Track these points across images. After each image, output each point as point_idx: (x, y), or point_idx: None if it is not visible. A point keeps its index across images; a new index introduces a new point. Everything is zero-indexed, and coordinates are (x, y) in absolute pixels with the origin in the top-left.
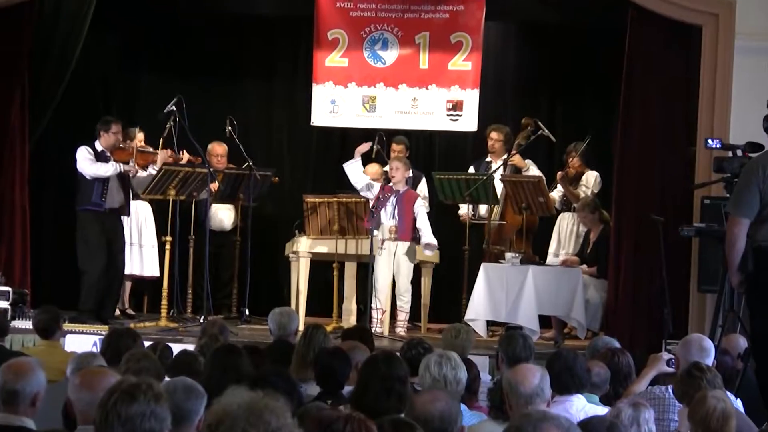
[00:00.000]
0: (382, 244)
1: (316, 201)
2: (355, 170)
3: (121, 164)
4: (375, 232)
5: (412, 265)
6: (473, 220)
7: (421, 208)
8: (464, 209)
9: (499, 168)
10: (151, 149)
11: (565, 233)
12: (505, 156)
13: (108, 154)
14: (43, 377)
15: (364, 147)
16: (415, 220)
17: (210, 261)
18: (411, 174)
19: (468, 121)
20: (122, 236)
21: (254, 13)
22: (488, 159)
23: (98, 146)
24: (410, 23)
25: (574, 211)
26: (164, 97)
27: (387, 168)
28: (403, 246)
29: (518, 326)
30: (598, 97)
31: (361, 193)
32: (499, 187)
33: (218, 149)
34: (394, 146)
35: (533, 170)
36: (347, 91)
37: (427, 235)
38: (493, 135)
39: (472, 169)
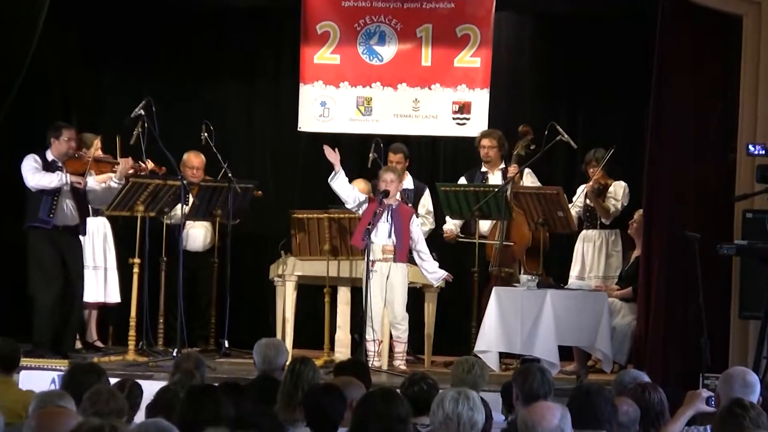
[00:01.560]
0: (373, 265)
1: (304, 217)
2: (342, 185)
3: (69, 175)
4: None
5: (407, 289)
6: (461, 238)
7: (417, 229)
8: (450, 223)
9: (513, 177)
10: (111, 158)
11: (591, 253)
12: (502, 165)
13: (60, 164)
14: None
15: (331, 153)
16: (410, 239)
17: (184, 286)
18: (412, 186)
19: (477, 126)
20: (81, 258)
21: (233, 5)
22: (483, 169)
23: (49, 155)
24: (411, 14)
25: (601, 228)
26: (131, 99)
27: (380, 180)
28: (398, 268)
29: (535, 358)
30: (625, 97)
31: (353, 209)
32: None
33: (194, 160)
34: (392, 156)
35: (530, 181)
36: (339, 91)
37: (430, 263)
38: (485, 142)
39: (461, 180)
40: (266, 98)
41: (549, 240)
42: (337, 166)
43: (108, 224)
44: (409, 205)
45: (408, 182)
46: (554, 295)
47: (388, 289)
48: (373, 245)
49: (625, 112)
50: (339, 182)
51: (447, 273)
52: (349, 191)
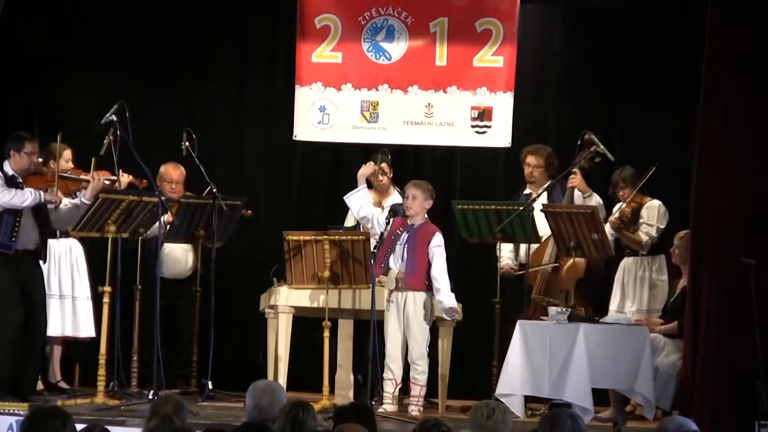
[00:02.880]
0: (390, 296)
1: (300, 239)
2: (361, 201)
3: (43, 193)
4: (384, 281)
5: (428, 323)
6: (521, 273)
7: (439, 249)
8: (506, 257)
9: (541, 194)
10: (79, 174)
11: (633, 283)
12: (548, 183)
13: (20, 180)
14: None
15: (368, 169)
16: (429, 264)
17: (162, 318)
18: (400, 200)
19: (499, 135)
20: (42, 286)
21: None
22: (527, 191)
23: (8, 169)
24: (423, 6)
25: (642, 255)
26: (101, 104)
27: (390, 197)
28: (415, 298)
29: (566, 403)
30: (670, 103)
31: (370, 230)
32: (540, 222)
33: (173, 173)
34: (372, 165)
35: (596, 198)
36: (341, 95)
37: (445, 293)
38: (530, 160)
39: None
40: (257, 102)
41: (603, 269)
42: (362, 182)
43: (79, 247)
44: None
45: (395, 197)
46: (588, 331)
47: (404, 323)
48: (391, 272)
49: (670, 121)
50: (359, 197)
51: (454, 308)
52: (367, 209)
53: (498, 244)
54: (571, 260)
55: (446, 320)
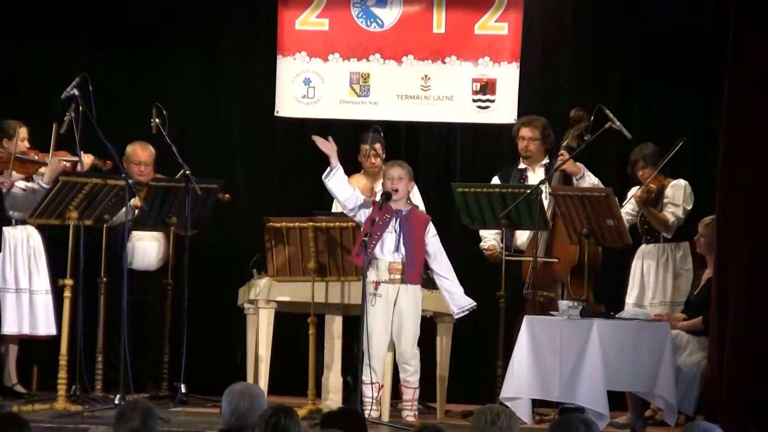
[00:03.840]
0: (377, 288)
1: (282, 226)
2: (339, 183)
3: None
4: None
5: (419, 319)
6: (508, 256)
7: (435, 240)
8: (490, 238)
9: (552, 175)
10: (36, 156)
11: (654, 274)
12: (546, 161)
13: None
14: None
15: (324, 144)
16: (426, 254)
17: (130, 314)
18: (413, 186)
19: (503, 110)
20: None
21: None
22: (522, 166)
23: None
24: None
25: (664, 241)
26: (61, 76)
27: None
28: (408, 291)
29: (578, 408)
30: (693, 74)
31: (352, 215)
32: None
33: (141, 153)
34: (364, 147)
35: (591, 179)
36: (328, 66)
37: (460, 293)
38: (525, 132)
39: (495, 181)
40: (234, 75)
41: (602, 256)
42: (334, 161)
43: (37, 236)
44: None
45: None
46: (603, 327)
47: (395, 319)
48: (378, 262)
49: (693, 94)
50: (336, 180)
51: (473, 303)
52: (348, 192)
53: (497, 233)
54: (565, 248)
55: (446, 315)
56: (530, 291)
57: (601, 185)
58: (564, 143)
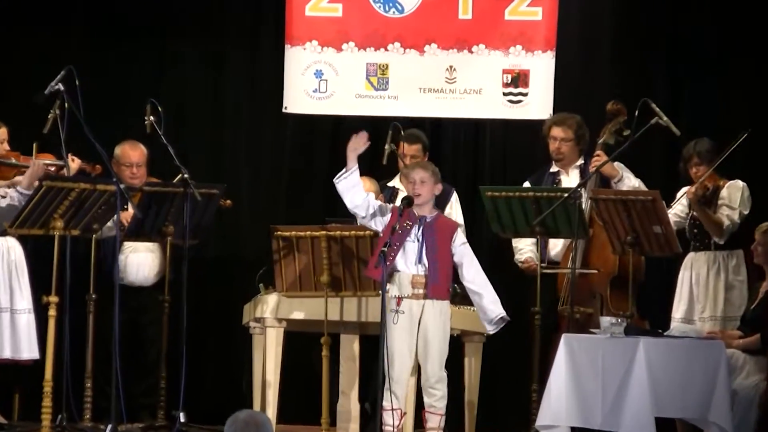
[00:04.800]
0: (399, 304)
1: (292, 235)
2: (351, 186)
3: None
4: (388, 286)
5: (448, 338)
6: (545, 269)
7: (466, 248)
8: (527, 250)
9: (590, 178)
10: (17, 159)
11: (704, 285)
12: (580, 162)
13: None
14: None
15: (360, 142)
16: (454, 265)
17: (122, 335)
18: (440, 188)
19: (537, 105)
20: None
21: None
22: (554, 169)
23: None
24: None
25: (716, 248)
26: (46, 69)
27: (396, 181)
28: (434, 308)
29: None
30: (748, 65)
31: (366, 223)
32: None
33: (133, 154)
34: (406, 147)
35: (630, 181)
36: (342, 56)
37: (492, 299)
38: (556, 132)
39: (527, 185)
40: (237, 66)
41: (644, 267)
42: (352, 162)
43: (18, 248)
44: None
45: None
46: (650, 346)
47: (420, 338)
48: (400, 275)
49: (749, 86)
50: (349, 182)
51: (502, 313)
52: (359, 197)
53: (533, 243)
54: (604, 258)
55: (475, 334)
56: (567, 307)
57: (643, 188)
58: (600, 141)
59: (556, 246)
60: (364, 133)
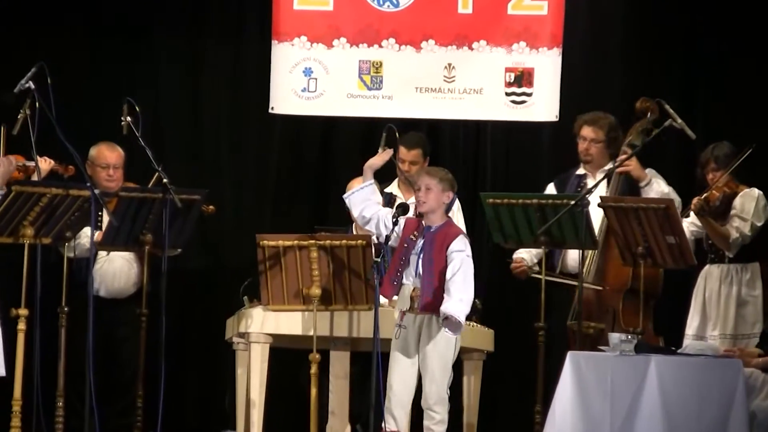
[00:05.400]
0: (401, 319)
1: (279, 245)
2: (362, 198)
3: None
4: (394, 298)
5: (451, 358)
6: (538, 275)
7: (459, 255)
8: (523, 250)
9: (599, 182)
10: None
11: (716, 300)
12: (609, 166)
13: None
14: None
15: (381, 159)
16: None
17: (96, 350)
18: (450, 196)
19: (543, 106)
20: None
21: None
22: (581, 171)
23: None
24: None
25: (730, 261)
26: (15, 66)
27: (393, 187)
28: (433, 323)
29: None
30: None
31: (387, 240)
32: (596, 217)
33: (109, 156)
34: (404, 152)
35: (659, 187)
36: (333, 53)
37: (455, 299)
38: (587, 132)
39: (550, 189)
40: (220, 64)
41: (662, 280)
42: (369, 176)
43: None
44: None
45: None
46: (662, 365)
47: (420, 357)
48: (404, 288)
49: None
50: (363, 194)
51: (460, 323)
52: (372, 210)
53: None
54: (618, 270)
55: (475, 350)
56: (575, 321)
57: (674, 195)
58: (626, 141)
59: (574, 255)
60: (390, 151)
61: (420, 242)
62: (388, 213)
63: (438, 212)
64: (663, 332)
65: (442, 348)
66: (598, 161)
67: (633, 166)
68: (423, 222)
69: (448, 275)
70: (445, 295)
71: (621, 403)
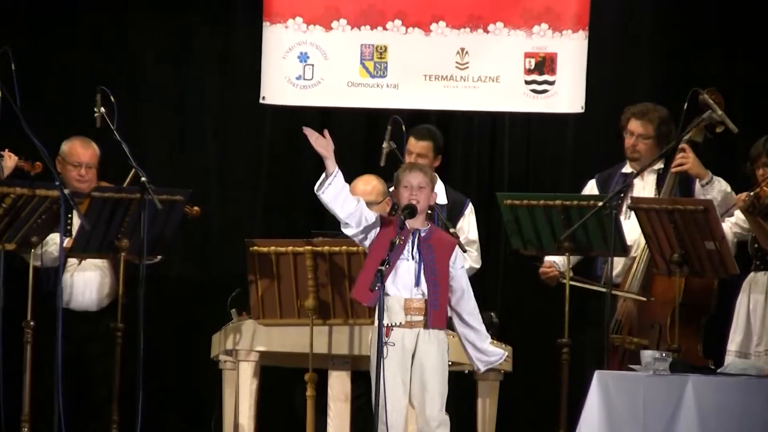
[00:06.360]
0: (388, 335)
1: (271, 251)
2: (338, 195)
3: None
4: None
5: (447, 373)
6: (572, 282)
7: (462, 273)
8: (556, 256)
9: (629, 183)
10: None
11: (762, 312)
12: (660, 166)
13: None
14: None
15: (319, 139)
16: (450, 291)
17: (67, 369)
18: (444, 199)
19: (567, 95)
20: None
21: None
22: (627, 169)
23: None
24: None
25: None
26: None
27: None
28: (431, 338)
29: None
30: None
31: (358, 239)
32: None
33: (81, 152)
34: (413, 144)
35: (721, 185)
36: (332, 36)
37: (479, 334)
38: (634, 126)
39: (591, 187)
40: (206, 49)
41: (716, 293)
42: (332, 164)
43: None
44: (451, 230)
45: (438, 192)
46: (700, 386)
47: (414, 376)
48: (389, 299)
49: None
50: (334, 191)
51: (504, 354)
52: (350, 205)
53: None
54: (664, 282)
55: (489, 371)
56: (618, 336)
57: (734, 196)
58: (685, 137)
59: (617, 264)
60: (309, 132)
61: (410, 248)
62: (367, 210)
63: (425, 214)
64: (712, 352)
65: (439, 366)
66: (647, 159)
67: (690, 162)
68: (407, 224)
69: (463, 303)
70: (467, 323)
71: (654, 427)
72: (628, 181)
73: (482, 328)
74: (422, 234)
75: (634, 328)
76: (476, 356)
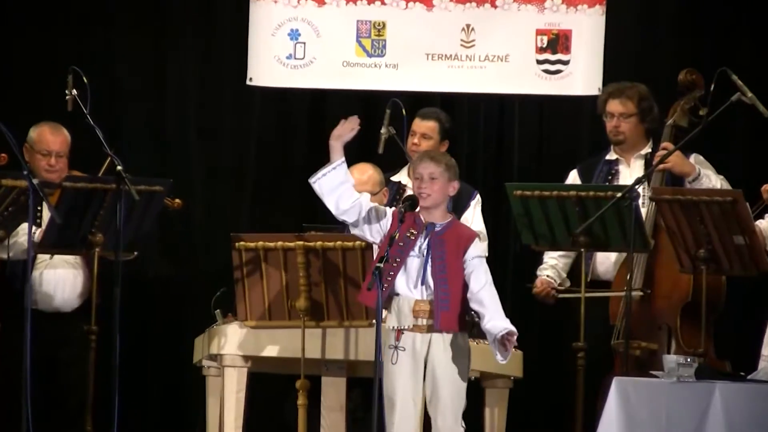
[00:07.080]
0: (399, 338)
1: (259, 247)
2: (336, 185)
3: None
4: (385, 314)
5: (465, 382)
6: (566, 294)
7: (480, 261)
8: (548, 266)
9: (653, 171)
10: None
11: None
12: (647, 150)
13: None
14: None
15: (347, 129)
16: (466, 287)
17: (36, 374)
18: (456, 187)
19: (582, 75)
20: None
21: None
22: (611, 156)
23: None
24: None
25: None
26: None
27: (402, 174)
28: (445, 343)
29: None
30: None
31: (359, 232)
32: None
33: (51, 139)
34: (418, 124)
35: (710, 181)
36: (325, 11)
37: (498, 313)
38: (614, 106)
39: (573, 178)
40: (188, 26)
41: (725, 290)
42: (338, 153)
43: None
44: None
45: None
46: (728, 393)
47: (427, 383)
48: (399, 300)
49: None
50: (332, 177)
51: (514, 331)
52: (349, 197)
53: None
54: (673, 278)
55: (500, 377)
56: (622, 341)
57: (728, 188)
58: (668, 122)
59: (606, 260)
60: (355, 118)
61: (421, 243)
62: (367, 201)
63: (442, 207)
64: (728, 355)
65: (455, 373)
66: (633, 141)
67: (673, 160)
68: (422, 217)
69: (474, 286)
70: (480, 312)
71: None
72: (649, 171)
73: (491, 306)
74: (437, 228)
75: (639, 332)
76: (497, 354)
